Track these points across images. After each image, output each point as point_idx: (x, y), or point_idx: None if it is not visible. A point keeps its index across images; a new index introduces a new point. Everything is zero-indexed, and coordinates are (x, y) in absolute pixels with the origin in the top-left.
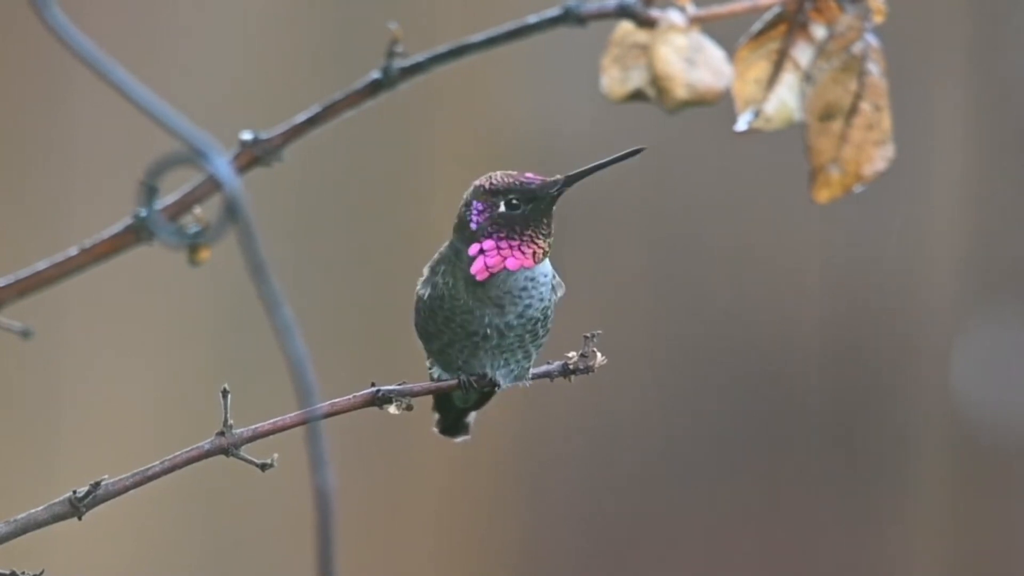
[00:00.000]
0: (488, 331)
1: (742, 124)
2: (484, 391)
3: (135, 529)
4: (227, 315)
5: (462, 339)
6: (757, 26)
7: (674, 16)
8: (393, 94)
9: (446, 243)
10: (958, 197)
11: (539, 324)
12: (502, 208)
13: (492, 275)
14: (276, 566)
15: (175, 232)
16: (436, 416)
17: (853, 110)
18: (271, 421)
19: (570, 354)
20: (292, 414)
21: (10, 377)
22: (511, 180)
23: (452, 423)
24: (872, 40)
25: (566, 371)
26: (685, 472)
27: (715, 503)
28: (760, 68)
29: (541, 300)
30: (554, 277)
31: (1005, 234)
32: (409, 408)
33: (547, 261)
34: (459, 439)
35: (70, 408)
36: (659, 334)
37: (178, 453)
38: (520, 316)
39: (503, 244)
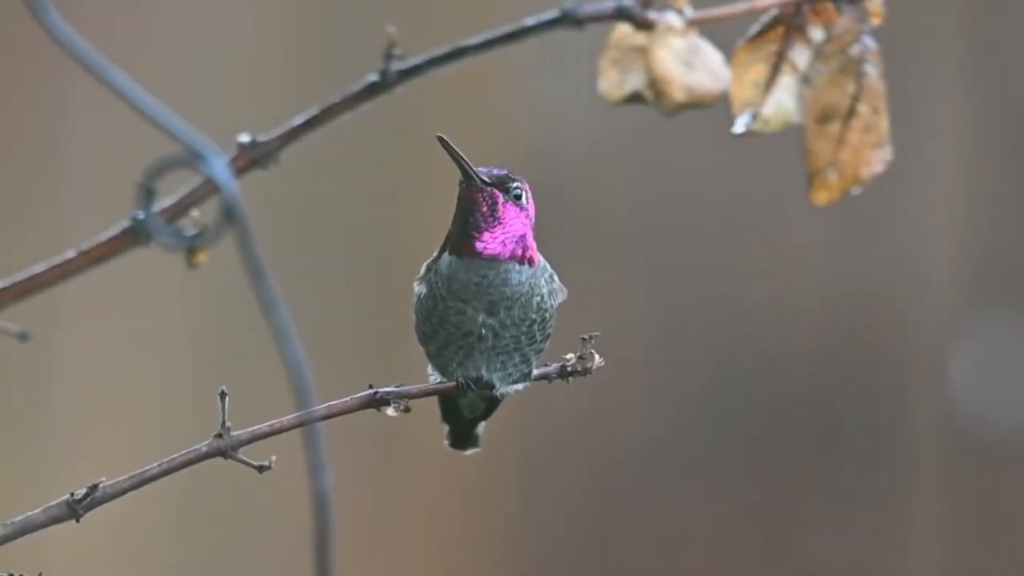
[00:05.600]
0: (483, 331)
1: (740, 127)
2: (488, 398)
3: (133, 532)
4: (224, 317)
5: (457, 340)
6: (755, 28)
7: (672, 18)
8: (391, 96)
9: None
10: (955, 199)
11: (536, 326)
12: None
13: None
14: (274, 568)
15: (173, 234)
16: (446, 430)
17: (851, 113)
18: (269, 423)
19: (568, 356)
20: (290, 416)
21: (7, 380)
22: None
23: (461, 435)
24: (869, 43)
25: (564, 373)
26: (682, 473)
27: (712, 504)
28: (758, 70)
29: (527, 297)
30: (552, 280)
31: (1002, 236)
32: (407, 410)
33: (546, 265)
34: (469, 451)
35: (67, 410)
36: (657, 336)
37: (176, 455)
38: (508, 312)
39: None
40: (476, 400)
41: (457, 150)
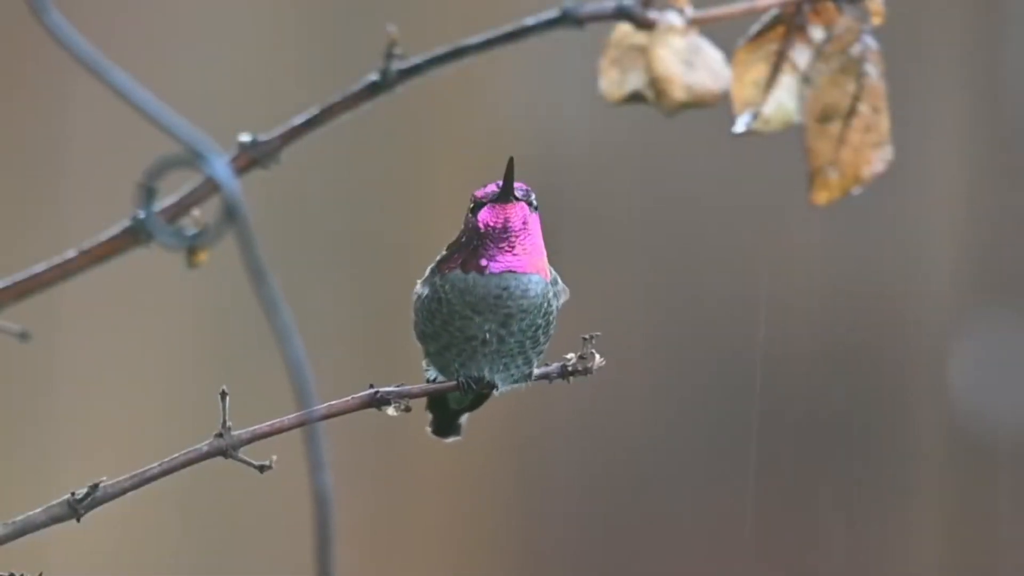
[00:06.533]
0: (487, 336)
1: (740, 126)
2: (480, 393)
3: (133, 531)
4: (225, 317)
5: (460, 343)
6: (755, 28)
7: (672, 18)
8: (392, 96)
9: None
10: (956, 200)
11: (540, 330)
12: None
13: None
14: (274, 568)
15: (173, 234)
16: (430, 417)
17: (851, 112)
18: (269, 423)
19: (568, 356)
20: (290, 416)
21: (8, 379)
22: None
23: (445, 424)
24: (870, 42)
25: (564, 373)
26: (683, 473)
27: (712, 503)
28: (758, 70)
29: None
30: (556, 283)
31: (1002, 237)
32: (407, 410)
33: (550, 269)
34: (451, 439)
35: (68, 410)
36: (657, 336)
37: (176, 455)
38: (520, 323)
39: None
40: (467, 394)
41: (511, 174)
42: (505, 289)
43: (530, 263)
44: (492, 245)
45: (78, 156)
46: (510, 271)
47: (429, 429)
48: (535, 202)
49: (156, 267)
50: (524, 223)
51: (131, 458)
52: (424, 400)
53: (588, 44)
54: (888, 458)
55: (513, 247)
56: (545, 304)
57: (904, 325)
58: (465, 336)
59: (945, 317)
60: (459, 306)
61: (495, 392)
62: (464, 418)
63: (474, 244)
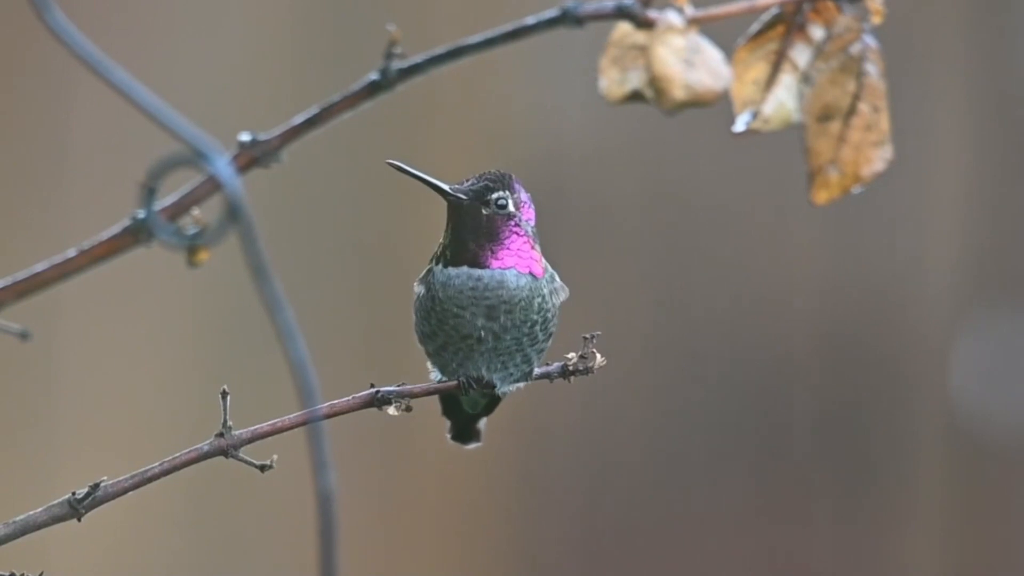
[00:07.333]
0: (482, 334)
1: (740, 125)
2: (489, 395)
3: (133, 531)
4: (227, 316)
5: (456, 341)
6: (755, 27)
7: (672, 17)
8: (392, 95)
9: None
10: (956, 198)
11: (538, 327)
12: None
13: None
14: (276, 568)
15: (174, 233)
16: (448, 423)
17: (851, 111)
18: (270, 422)
19: (569, 355)
20: (292, 415)
21: (9, 379)
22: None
23: (463, 430)
24: (870, 41)
25: (565, 372)
26: (683, 473)
27: (713, 504)
28: (758, 69)
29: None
30: (554, 280)
31: (1002, 235)
32: (408, 409)
33: (546, 266)
34: (471, 446)
35: (69, 410)
36: (658, 336)
37: (177, 455)
38: (508, 316)
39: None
40: (477, 397)
41: (414, 172)
42: (479, 280)
43: (494, 263)
44: (462, 240)
45: (79, 155)
46: (478, 265)
47: (448, 436)
48: (500, 200)
49: (156, 267)
50: (476, 225)
51: (131, 458)
52: (427, 401)
53: (589, 44)
54: (888, 457)
55: (467, 245)
56: (538, 300)
57: (904, 325)
58: (460, 334)
59: (945, 317)
60: (446, 301)
61: (496, 391)
62: (483, 423)
63: (447, 237)
